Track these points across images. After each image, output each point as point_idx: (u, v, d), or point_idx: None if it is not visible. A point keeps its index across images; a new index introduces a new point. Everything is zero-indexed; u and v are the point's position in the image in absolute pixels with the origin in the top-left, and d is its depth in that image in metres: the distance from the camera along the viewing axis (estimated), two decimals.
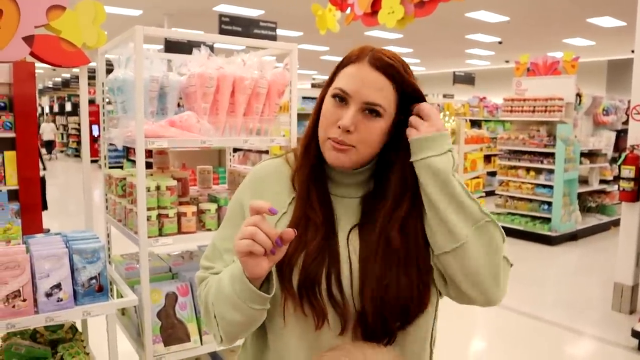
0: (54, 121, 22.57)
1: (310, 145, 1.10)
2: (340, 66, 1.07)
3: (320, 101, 1.09)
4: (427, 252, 1.03)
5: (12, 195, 3.61)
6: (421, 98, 1.05)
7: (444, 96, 16.15)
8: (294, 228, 0.94)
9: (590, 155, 8.02)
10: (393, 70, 1.01)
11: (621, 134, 8.27)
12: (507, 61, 18.70)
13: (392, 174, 1.06)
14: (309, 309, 0.99)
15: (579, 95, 7.51)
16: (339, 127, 1.01)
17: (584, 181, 8.11)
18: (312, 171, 1.08)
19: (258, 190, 1.13)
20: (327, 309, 0.99)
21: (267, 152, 7.16)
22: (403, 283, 0.99)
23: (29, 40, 2.15)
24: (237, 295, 0.96)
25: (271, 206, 0.90)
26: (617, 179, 4.88)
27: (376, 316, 0.98)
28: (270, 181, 1.13)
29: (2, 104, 3.70)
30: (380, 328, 0.99)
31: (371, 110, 1.01)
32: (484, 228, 1.00)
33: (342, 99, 1.02)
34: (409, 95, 1.04)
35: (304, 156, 1.10)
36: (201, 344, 2.44)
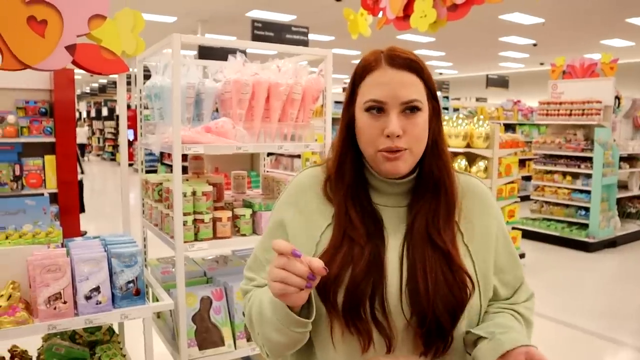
0: (90, 125, 23.17)
1: (344, 166, 1.08)
2: (359, 79, 1.05)
3: (348, 120, 1.08)
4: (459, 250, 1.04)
5: (52, 198, 3.71)
6: (434, 89, 1.07)
7: (477, 100, 15.92)
8: (336, 248, 0.97)
9: (630, 159, 7.79)
10: (413, 63, 1.02)
11: None
12: (542, 63, 18.35)
13: (430, 175, 1.07)
14: (355, 330, 0.98)
15: (617, 97, 7.32)
16: (388, 137, 1.00)
17: (623, 186, 7.89)
18: (349, 190, 1.07)
19: (300, 205, 1.12)
20: (372, 330, 0.98)
21: (299, 156, 7.19)
22: (450, 281, 0.99)
23: (71, 49, 2.21)
24: (278, 321, 0.97)
25: (294, 249, 0.89)
26: None
27: (431, 320, 0.97)
28: (311, 193, 1.12)
29: (43, 110, 3.81)
30: (436, 331, 0.98)
31: (412, 108, 1.01)
32: None
33: (379, 109, 1.01)
34: (431, 82, 1.06)
35: (337, 176, 1.09)
36: (235, 348, 2.46)
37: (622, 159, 7.48)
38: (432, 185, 1.07)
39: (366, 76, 1.04)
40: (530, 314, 1.14)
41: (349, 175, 1.08)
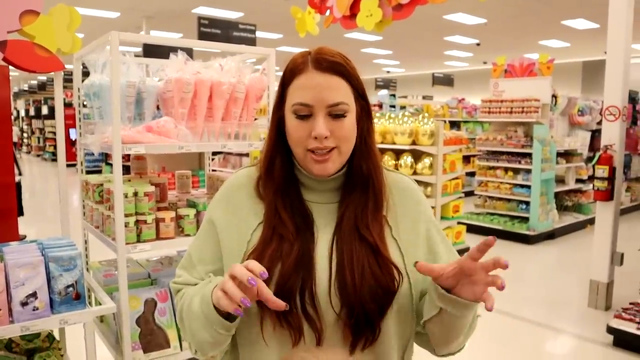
0: (29, 124, 22.28)
1: (274, 165, 1.11)
2: (288, 81, 1.07)
3: (277, 120, 1.10)
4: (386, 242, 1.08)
5: None
6: (362, 89, 1.09)
7: (424, 97, 16.29)
8: (265, 244, 1.02)
9: (566, 155, 8.16)
10: (339, 67, 1.05)
11: (596, 134, 8.43)
12: (485, 62, 18.91)
13: (359, 172, 1.10)
14: (286, 324, 1.00)
15: (554, 96, 7.65)
16: (315, 138, 1.02)
17: (560, 180, 8.25)
18: (279, 188, 1.10)
19: (231, 204, 1.14)
20: (303, 323, 1.00)
21: (247, 154, 7.14)
22: (377, 273, 1.02)
23: (1, 45, 2.11)
24: (205, 317, 0.99)
25: (263, 272, 0.90)
26: (592, 178, 4.97)
27: (359, 311, 0.99)
28: (244, 193, 1.14)
29: None
30: (364, 323, 1.00)
31: (338, 110, 1.04)
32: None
33: (307, 112, 1.04)
34: (358, 83, 1.08)
35: (267, 175, 1.12)
36: (181, 349, 2.43)
37: (559, 154, 7.82)
38: (361, 182, 1.10)
39: (294, 79, 1.06)
40: None
41: (279, 174, 1.10)
